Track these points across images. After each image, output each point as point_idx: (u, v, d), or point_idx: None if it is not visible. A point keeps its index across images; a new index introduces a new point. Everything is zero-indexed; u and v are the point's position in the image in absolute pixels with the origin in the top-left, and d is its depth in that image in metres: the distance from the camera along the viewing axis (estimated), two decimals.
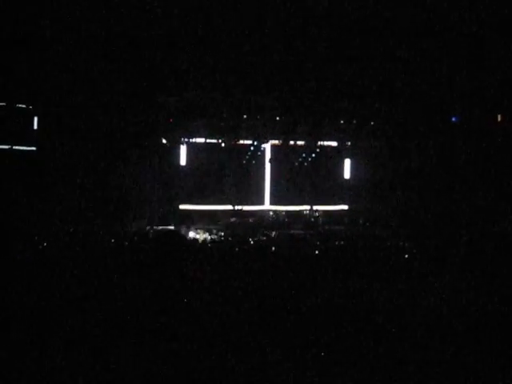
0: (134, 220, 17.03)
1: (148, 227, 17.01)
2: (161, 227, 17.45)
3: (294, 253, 11.87)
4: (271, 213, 19.68)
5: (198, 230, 16.88)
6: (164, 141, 19.06)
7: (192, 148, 19.54)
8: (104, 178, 17.34)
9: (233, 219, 18.75)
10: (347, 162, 20.98)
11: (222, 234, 16.50)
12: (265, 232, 16.91)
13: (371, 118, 19.37)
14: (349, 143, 20.38)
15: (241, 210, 19.28)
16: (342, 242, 14.28)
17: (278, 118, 19.18)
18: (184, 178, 19.43)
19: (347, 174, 21.00)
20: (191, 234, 16.30)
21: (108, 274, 8.40)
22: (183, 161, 19.54)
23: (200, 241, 14.75)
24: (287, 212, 19.78)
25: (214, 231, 16.83)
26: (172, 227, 17.86)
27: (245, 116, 18.91)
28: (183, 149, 19.58)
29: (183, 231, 16.63)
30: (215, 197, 19.38)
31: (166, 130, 18.75)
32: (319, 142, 20.02)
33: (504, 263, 9.30)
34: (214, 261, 10.42)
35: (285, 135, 19.67)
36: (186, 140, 19.29)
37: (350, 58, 16.90)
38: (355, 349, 6.09)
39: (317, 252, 12.27)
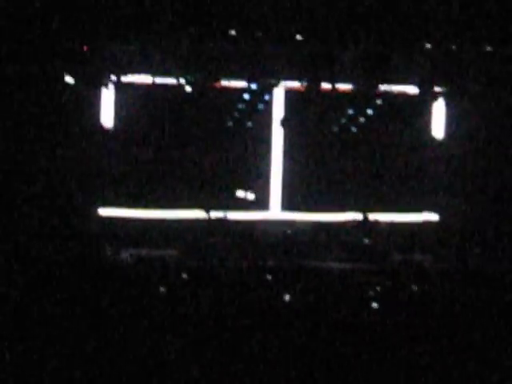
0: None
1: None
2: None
3: (331, 314, 8.68)
4: (283, 226, 14.50)
5: (136, 256, 12.90)
6: (70, 79, 13.43)
7: (127, 95, 13.77)
8: None
9: (207, 238, 13.92)
10: (438, 124, 14.37)
11: (187, 266, 12.30)
12: (268, 264, 12.90)
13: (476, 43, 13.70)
14: (439, 88, 13.97)
15: (223, 219, 14.18)
16: (432, 292, 10.17)
17: (298, 37, 13.12)
18: (110, 155, 13.91)
19: (438, 149, 14.50)
20: (124, 263, 12.84)
21: None
22: (109, 120, 13.90)
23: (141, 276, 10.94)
24: (315, 225, 14.35)
25: (170, 260, 12.60)
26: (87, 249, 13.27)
27: (233, 32, 13.13)
28: (109, 96, 13.71)
29: (108, 256, 13.14)
30: (172, 194, 14.19)
31: (74, 57, 13.26)
32: (382, 87, 13.74)
33: None
34: (168, 321, 8.03)
35: (313, 72, 13.63)
36: (114, 79, 13.57)
37: None
38: None
39: (377, 310, 9.10)
